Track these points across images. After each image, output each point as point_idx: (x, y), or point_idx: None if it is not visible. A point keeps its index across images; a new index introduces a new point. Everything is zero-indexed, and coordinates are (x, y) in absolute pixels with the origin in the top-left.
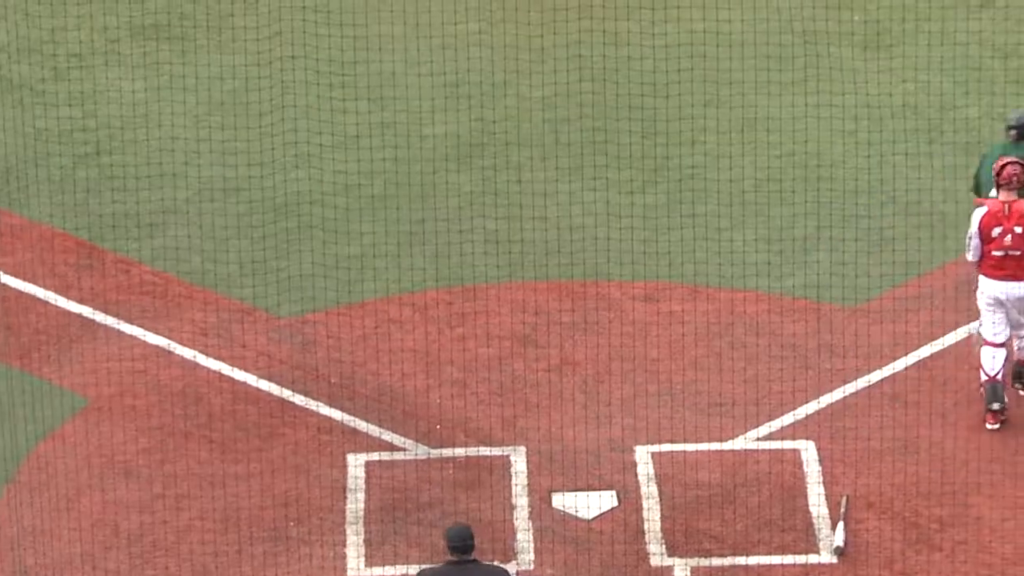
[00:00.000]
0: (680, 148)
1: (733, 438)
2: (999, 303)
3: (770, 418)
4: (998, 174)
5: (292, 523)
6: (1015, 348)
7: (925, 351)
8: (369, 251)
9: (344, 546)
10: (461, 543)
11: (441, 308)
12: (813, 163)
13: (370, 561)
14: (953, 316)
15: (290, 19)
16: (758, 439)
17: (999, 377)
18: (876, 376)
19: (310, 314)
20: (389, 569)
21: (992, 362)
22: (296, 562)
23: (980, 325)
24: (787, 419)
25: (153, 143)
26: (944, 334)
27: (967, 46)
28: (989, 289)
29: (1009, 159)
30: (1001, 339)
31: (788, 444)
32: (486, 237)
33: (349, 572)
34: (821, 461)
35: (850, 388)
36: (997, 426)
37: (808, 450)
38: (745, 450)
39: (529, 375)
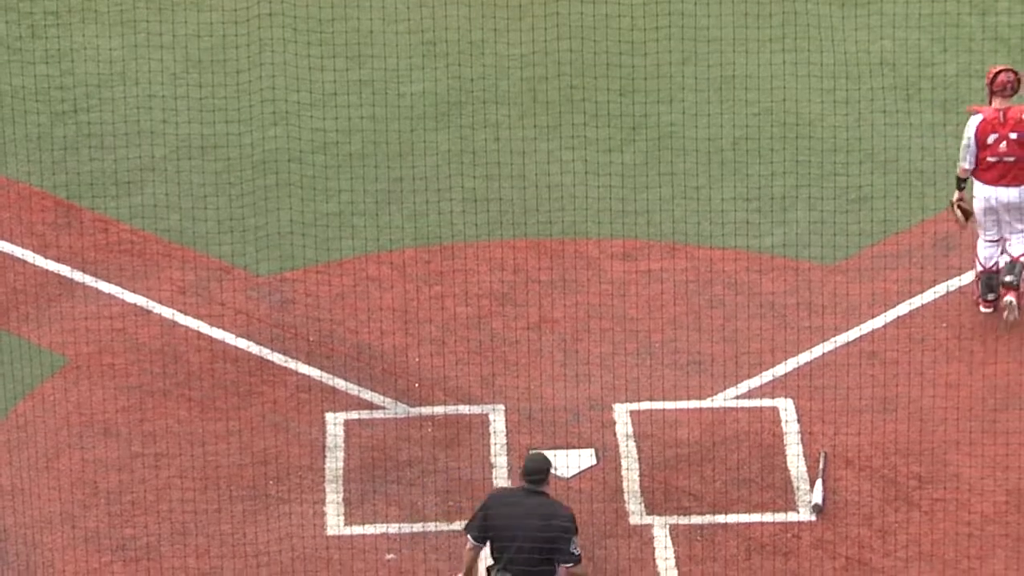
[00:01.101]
0: (658, 106)
1: (712, 396)
2: (992, 208)
3: (748, 376)
4: (992, 81)
5: (271, 481)
6: (1010, 253)
7: (903, 308)
8: (347, 209)
9: (323, 504)
10: (530, 473)
11: (419, 266)
12: (791, 121)
13: (349, 519)
14: (931, 274)
15: None
16: (737, 397)
17: (995, 269)
18: (854, 334)
19: (288, 272)
20: (368, 527)
21: (986, 256)
22: (275, 520)
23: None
24: (765, 377)
25: (130, 101)
26: (922, 291)
27: (944, 2)
28: (983, 193)
29: (1002, 66)
30: (994, 237)
31: (767, 402)
32: (464, 195)
33: (328, 530)
34: (799, 419)
35: (828, 346)
36: (991, 310)
37: (787, 408)
38: (724, 408)
39: (507, 333)
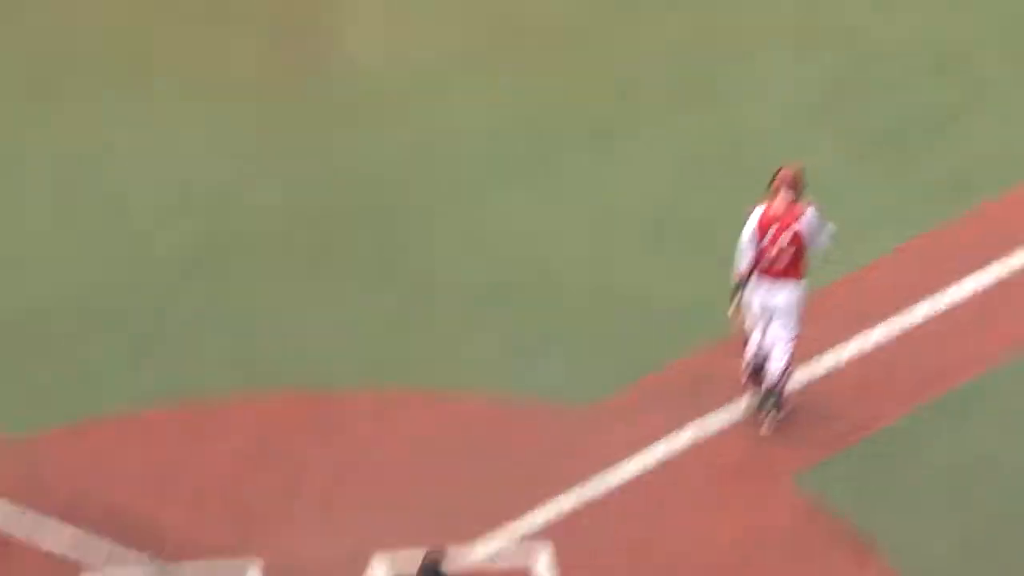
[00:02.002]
0: (412, 252)
1: (472, 543)
2: (765, 306)
3: (508, 520)
4: (772, 179)
5: None
6: (768, 371)
7: (659, 449)
8: (97, 367)
9: None
10: (423, 570)
11: (173, 424)
12: (543, 266)
13: None
14: (689, 412)
15: None
16: (497, 544)
17: (762, 358)
18: (612, 477)
19: (39, 433)
20: None
21: (754, 350)
22: None
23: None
24: (523, 524)
25: None
26: (679, 429)
27: (691, 144)
28: (757, 289)
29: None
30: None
31: (524, 549)
32: (220, 350)
33: None
34: (559, 565)
35: (586, 491)
36: (758, 389)
37: (544, 555)
38: (484, 555)
39: (264, 488)
